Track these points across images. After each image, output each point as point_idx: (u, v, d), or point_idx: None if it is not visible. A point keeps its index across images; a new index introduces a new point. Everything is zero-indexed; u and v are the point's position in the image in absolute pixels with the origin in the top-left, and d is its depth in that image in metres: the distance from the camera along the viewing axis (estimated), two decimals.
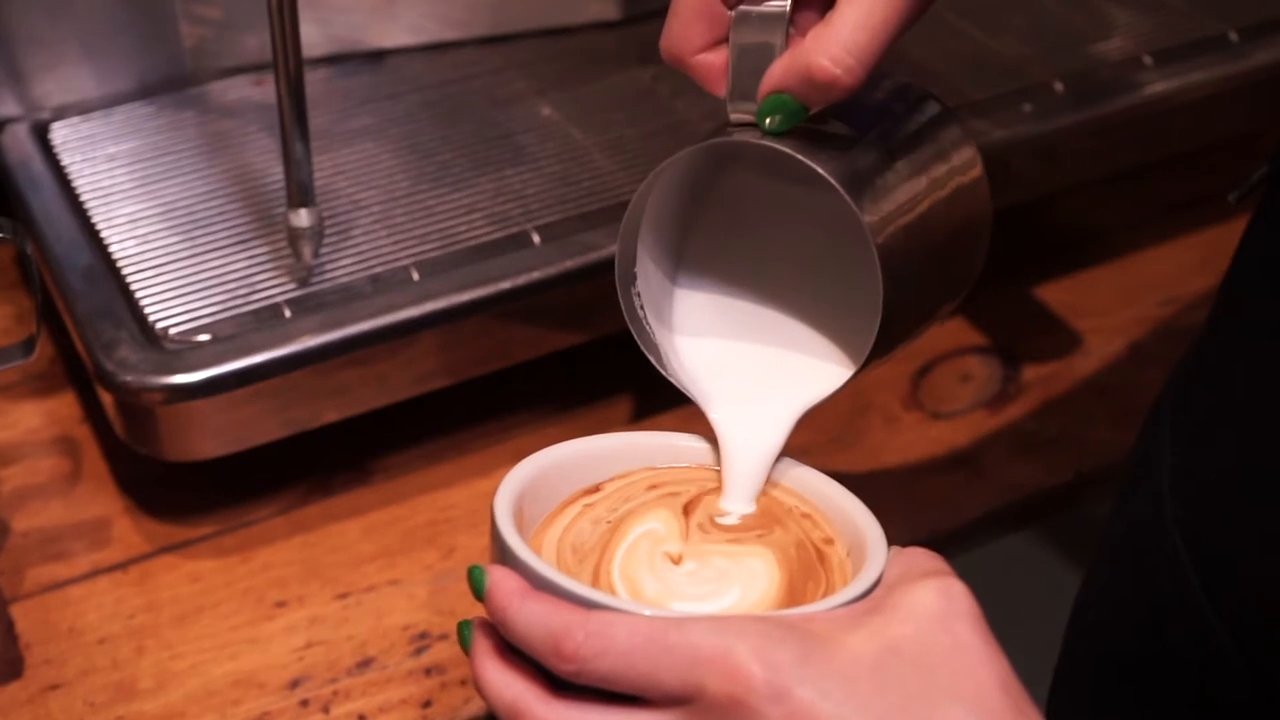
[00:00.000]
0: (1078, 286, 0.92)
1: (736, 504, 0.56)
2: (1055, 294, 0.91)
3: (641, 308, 0.57)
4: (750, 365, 0.58)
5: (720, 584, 0.53)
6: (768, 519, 0.56)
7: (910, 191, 0.54)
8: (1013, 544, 0.82)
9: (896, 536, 0.76)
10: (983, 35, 0.92)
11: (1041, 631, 0.68)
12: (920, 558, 0.52)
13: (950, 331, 0.88)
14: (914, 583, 0.49)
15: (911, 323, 0.55)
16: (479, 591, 0.50)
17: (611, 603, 0.48)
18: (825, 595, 0.52)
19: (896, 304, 0.53)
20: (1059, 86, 0.88)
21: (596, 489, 0.56)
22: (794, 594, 0.52)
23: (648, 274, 0.57)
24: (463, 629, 0.51)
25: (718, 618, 0.47)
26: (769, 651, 0.46)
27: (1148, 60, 0.90)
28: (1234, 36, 0.91)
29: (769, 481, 0.57)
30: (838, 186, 0.51)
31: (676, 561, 0.53)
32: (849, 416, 0.83)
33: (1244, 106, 0.91)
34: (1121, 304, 0.90)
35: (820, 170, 0.51)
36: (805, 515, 0.56)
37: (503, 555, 0.51)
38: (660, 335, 0.57)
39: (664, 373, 0.57)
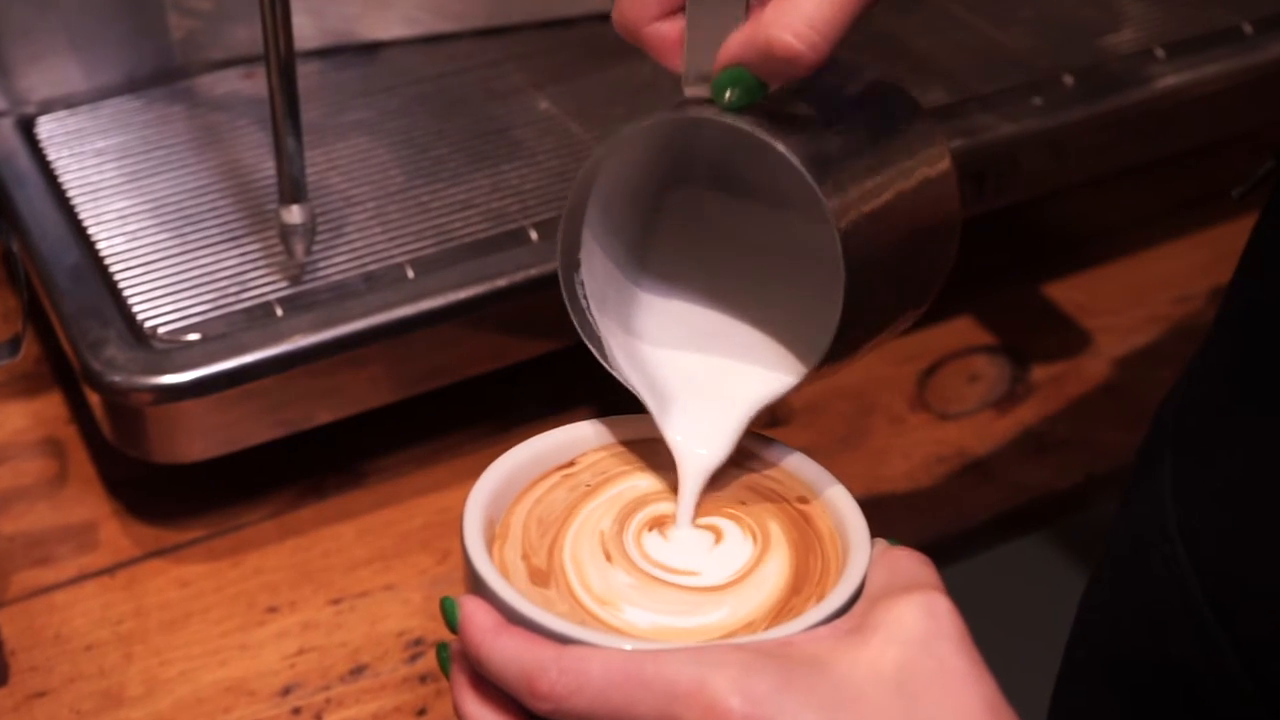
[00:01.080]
0: (1087, 284, 0.92)
1: (687, 510, 0.55)
2: (1064, 292, 0.91)
3: (585, 297, 0.55)
4: (701, 363, 0.57)
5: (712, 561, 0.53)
6: (750, 503, 0.56)
7: (875, 178, 0.52)
8: (1022, 548, 0.82)
9: (903, 540, 0.76)
10: (990, 27, 0.92)
11: (1052, 637, 0.68)
12: (905, 563, 0.51)
13: (957, 331, 0.88)
14: (897, 599, 0.49)
15: (872, 322, 0.54)
16: (452, 625, 0.50)
17: (585, 636, 0.48)
18: (823, 578, 0.52)
19: (858, 298, 0.51)
20: (1068, 80, 0.87)
21: (571, 464, 0.57)
22: (799, 576, 0.52)
23: (594, 262, 0.55)
24: (441, 654, 0.51)
25: (695, 648, 0.47)
26: (747, 683, 0.45)
27: (1159, 53, 0.89)
28: (1248, 29, 0.91)
29: (752, 458, 0.57)
30: (798, 164, 0.49)
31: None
32: (853, 417, 0.82)
33: (1258, 100, 0.91)
34: (1132, 302, 0.90)
35: (779, 146, 0.49)
36: (788, 488, 0.56)
37: (474, 584, 0.51)
38: (605, 327, 0.56)
39: (607, 367, 0.56)
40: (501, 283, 0.74)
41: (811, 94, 0.52)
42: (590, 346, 0.56)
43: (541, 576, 0.52)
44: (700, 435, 0.56)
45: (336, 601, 0.73)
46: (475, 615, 0.49)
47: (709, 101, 0.50)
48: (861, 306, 0.51)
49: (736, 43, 0.49)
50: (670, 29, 0.51)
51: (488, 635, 0.48)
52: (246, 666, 0.70)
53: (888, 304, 0.54)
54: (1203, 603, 0.56)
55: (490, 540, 0.53)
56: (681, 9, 0.51)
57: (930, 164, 0.55)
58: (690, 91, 0.51)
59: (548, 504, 0.55)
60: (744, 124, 0.49)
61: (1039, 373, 0.86)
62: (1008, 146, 0.84)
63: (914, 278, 0.55)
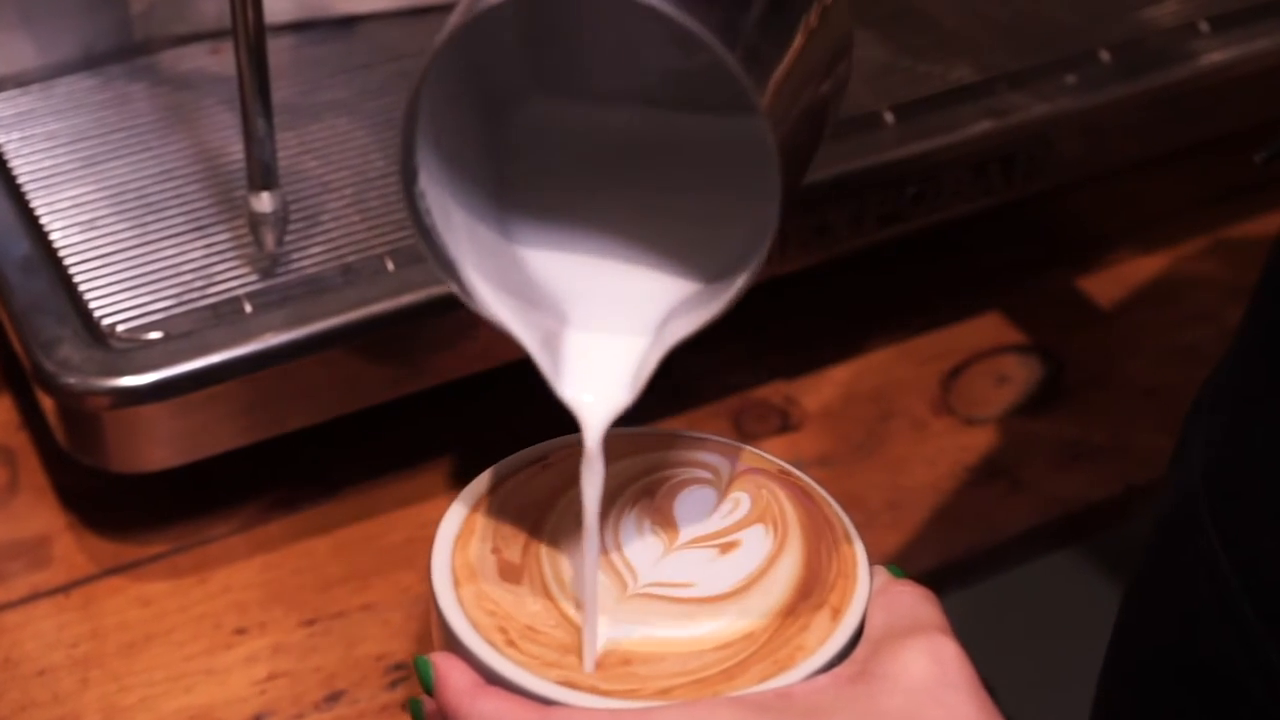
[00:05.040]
0: (1126, 279, 0.92)
1: (592, 510, 0.52)
2: (1101, 287, 0.91)
3: (427, 212, 0.52)
4: (592, 286, 0.54)
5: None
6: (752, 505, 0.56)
7: (792, 43, 0.48)
8: (1055, 563, 0.82)
9: (926, 556, 0.76)
10: None
11: (1088, 658, 0.68)
12: (906, 600, 0.52)
13: (984, 329, 0.88)
14: (901, 643, 0.49)
15: (798, 192, 0.50)
16: (427, 685, 0.50)
17: (566, 698, 0.49)
18: (839, 580, 0.52)
19: (790, 189, 0.48)
20: (1105, 56, 0.87)
21: (544, 458, 0.57)
22: (810, 575, 0.52)
23: (438, 170, 0.52)
24: (415, 710, 0.52)
25: (686, 704, 0.48)
26: None
27: (1204, 27, 0.89)
28: None
29: (748, 455, 0.57)
30: (724, 54, 0.44)
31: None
32: (871, 422, 0.82)
33: None
34: (1175, 298, 0.90)
35: (694, 27, 0.44)
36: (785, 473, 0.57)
37: (448, 640, 0.51)
38: (457, 250, 0.52)
39: (466, 301, 0.53)
40: None
41: None
42: (443, 276, 0.53)
43: (513, 572, 0.52)
44: (593, 378, 0.53)
45: (310, 622, 0.73)
46: (450, 676, 0.50)
47: None
48: (793, 192, 0.49)
49: None
50: None
51: (464, 698, 0.49)
52: (213, 693, 0.70)
53: (803, 174, 0.51)
54: (1239, 594, 0.56)
55: (454, 542, 0.53)
56: None
57: None
58: None
59: (526, 493, 0.55)
60: None
61: (1073, 374, 0.86)
62: (1040, 128, 0.84)
63: (822, 130, 0.53)
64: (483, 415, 0.81)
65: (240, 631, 0.73)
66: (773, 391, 0.83)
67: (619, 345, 0.53)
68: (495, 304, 0.53)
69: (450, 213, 0.53)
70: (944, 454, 0.81)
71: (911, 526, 0.77)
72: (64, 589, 0.74)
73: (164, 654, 0.71)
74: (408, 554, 0.76)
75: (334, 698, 0.70)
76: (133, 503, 0.77)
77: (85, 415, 0.71)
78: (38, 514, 0.77)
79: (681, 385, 0.82)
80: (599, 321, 0.53)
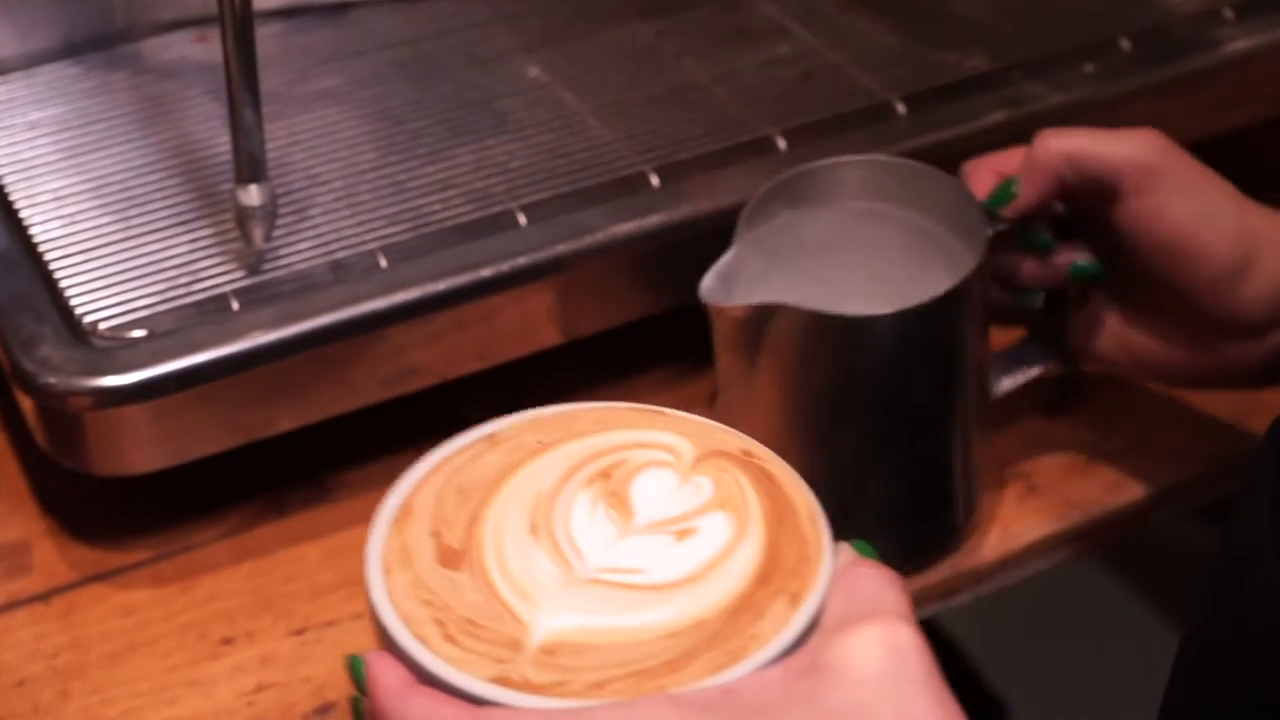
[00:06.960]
0: None
1: None
2: None
3: None
4: None
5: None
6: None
7: None
8: (1072, 572, 0.82)
9: (939, 562, 0.76)
10: None
11: (1101, 665, 0.68)
12: (867, 585, 0.50)
13: (999, 327, 0.87)
14: (855, 630, 0.48)
15: None
16: (359, 683, 0.51)
17: (499, 697, 0.49)
18: (799, 566, 0.51)
19: None
20: (1125, 44, 0.87)
21: (492, 436, 0.57)
22: (770, 562, 0.52)
23: None
24: (356, 707, 0.52)
25: (622, 704, 0.47)
26: None
27: (1228, 13, 0.89)
28: None
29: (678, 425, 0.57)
30: None
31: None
32: None
33: None
34: None
35: None
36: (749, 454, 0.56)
37: (382, 638, 0.51)
38: None
39: None
40: (485, 272, 0.74)
41: None
42: None
43: (452, 557, 0.52)
44: None
45: (300, 631, 0.73)
46: (381, 676, 0.50)
47: None
48: None
49: None
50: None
51: (392, 698, 0.49)
52: (198, 705, 0.70)
53: None
54: None
55: (391, 525, 0.53)
56: None
57: None
58: None
59: (471, 472, 0.55)
60: None
61: (1092, 374, 0.85)
62: (1057, 119, 0.83)
63: None
64: (480, 416, 0.81)
65: (227, 641, 0.73)
66: None
67: None
68: None
69: None
70: None
71: None
72: (43, 597, 0.74)
73: (148, 665, 0.71)
74: None
75: (324, 710, 0.70)
76: (115, 507, 0.77)
77: (66, 416, 0.71)
78: (16, 519, 0.77)
79: (683, 384, 0.82)
80: None
